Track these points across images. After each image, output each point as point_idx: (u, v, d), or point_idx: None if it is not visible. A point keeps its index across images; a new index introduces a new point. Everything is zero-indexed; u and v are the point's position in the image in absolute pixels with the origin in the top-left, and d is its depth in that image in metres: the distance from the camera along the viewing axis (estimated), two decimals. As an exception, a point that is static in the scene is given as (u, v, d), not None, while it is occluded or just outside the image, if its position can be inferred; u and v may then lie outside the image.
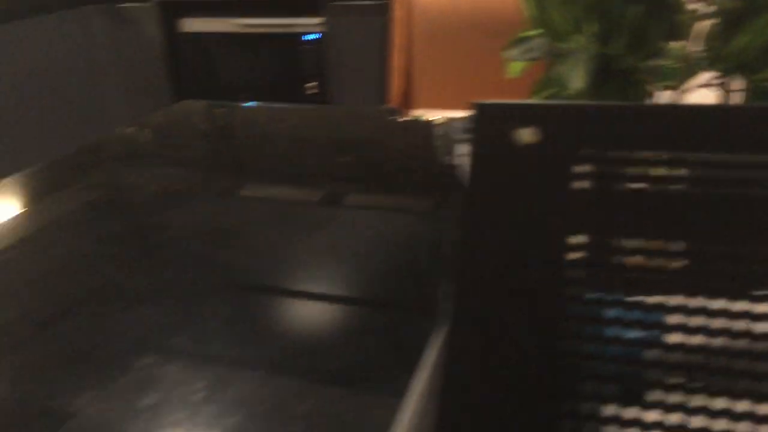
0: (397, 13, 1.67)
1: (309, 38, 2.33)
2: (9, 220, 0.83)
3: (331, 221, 0.81)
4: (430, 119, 1.24)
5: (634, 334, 0.36)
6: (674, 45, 0.65)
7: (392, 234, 0.77)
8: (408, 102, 1.72)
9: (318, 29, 2.31)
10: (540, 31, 0.69)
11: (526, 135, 0.39)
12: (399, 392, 0.50)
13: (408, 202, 0.86)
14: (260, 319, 0.62)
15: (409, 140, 1.13)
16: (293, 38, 2.36)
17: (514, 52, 0.67)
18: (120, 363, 0.55)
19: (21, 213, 0.85)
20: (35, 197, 0.90)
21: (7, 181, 0.93)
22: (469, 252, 0.39)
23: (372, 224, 0.80)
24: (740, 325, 0.35)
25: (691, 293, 0.36)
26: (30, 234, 0.79)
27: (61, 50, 2.24)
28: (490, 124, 0.41)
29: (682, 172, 0.37)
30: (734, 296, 0.36)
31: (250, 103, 1.34)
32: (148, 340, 0.58)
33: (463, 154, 0.63)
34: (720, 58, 0.63)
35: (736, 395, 0.34)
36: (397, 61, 1.70)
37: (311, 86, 2.39)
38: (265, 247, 0.74)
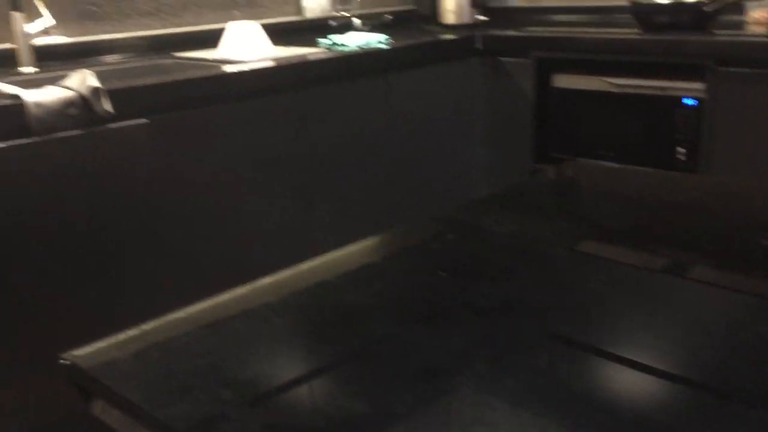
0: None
1: (686, 103, 2.25)
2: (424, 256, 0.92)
3: (681, 293, 0.80)
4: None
5: None
6: None
7: (744, 317, 0.72)
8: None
9: (697, 94, 2.21)
10: None
11: None
12: None
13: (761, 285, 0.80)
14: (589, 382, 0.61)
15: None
16: (666, 102, 2.29)
17: None
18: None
19: (440, 249, 0.94)
20: (453, 237, 0.99)
21: (431, 218, 1.03)
22: None
23: (721, 302, 0.77)
24: None
25: None
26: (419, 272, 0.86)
27: (446, 96, 2.45)
28: None
29: None
30: None
31: (624, 166, 1.32)
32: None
33: None
34: None
35: None
36: (803, 137, 1.55)
37: (680, 152, 2.29)
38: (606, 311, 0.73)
